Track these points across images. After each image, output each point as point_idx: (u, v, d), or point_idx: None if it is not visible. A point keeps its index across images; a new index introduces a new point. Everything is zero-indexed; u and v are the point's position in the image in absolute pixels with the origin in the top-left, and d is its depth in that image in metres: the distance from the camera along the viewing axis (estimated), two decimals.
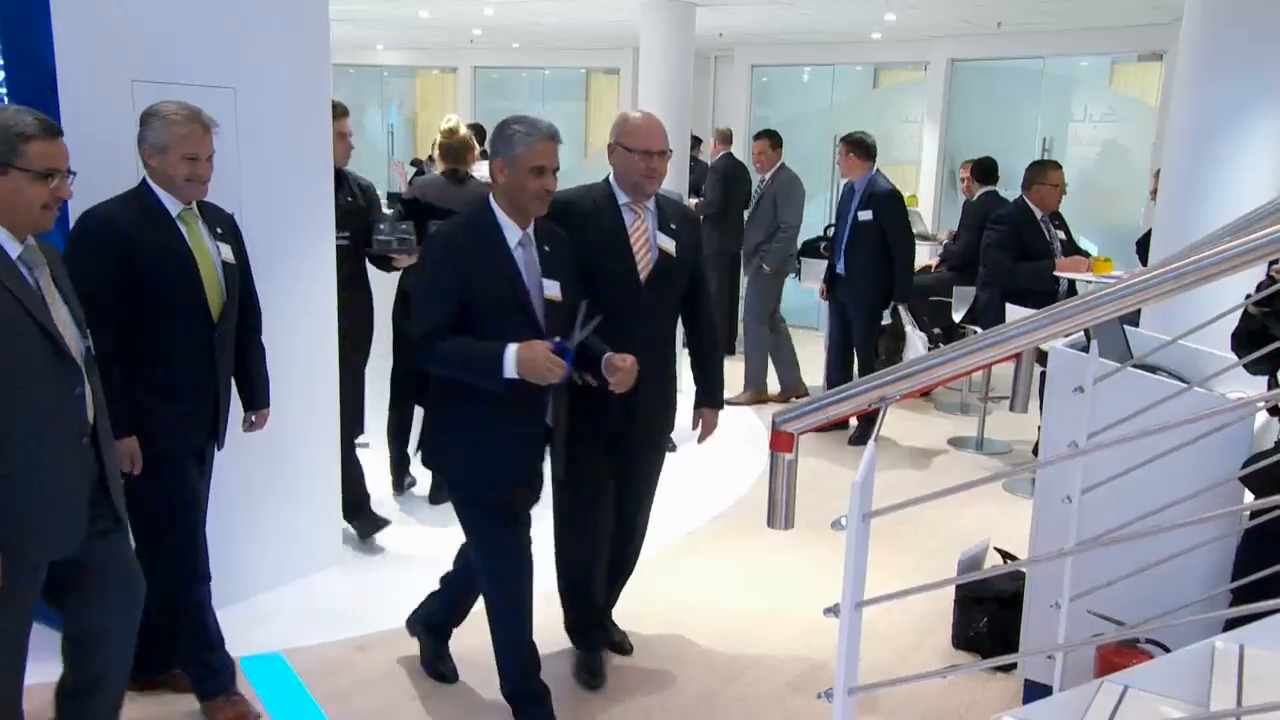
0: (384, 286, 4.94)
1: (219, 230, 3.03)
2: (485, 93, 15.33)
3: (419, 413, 4.91)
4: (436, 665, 3.40)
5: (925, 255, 8.84)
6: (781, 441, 1.70)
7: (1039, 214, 5.61)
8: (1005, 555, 3.86)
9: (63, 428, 2.35)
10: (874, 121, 11.62)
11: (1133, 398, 2.71)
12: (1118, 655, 2.78)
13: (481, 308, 2.77)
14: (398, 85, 16.31)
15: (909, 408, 7.20)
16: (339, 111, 4.29)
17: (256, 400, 3.27)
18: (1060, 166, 5.89)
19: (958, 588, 3.70)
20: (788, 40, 11.01)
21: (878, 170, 6.22)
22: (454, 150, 4.85)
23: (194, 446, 3.01)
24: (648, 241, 3.17)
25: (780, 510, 1.73)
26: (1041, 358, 3.00)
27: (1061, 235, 5.70)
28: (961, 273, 7.12)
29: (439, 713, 3.24)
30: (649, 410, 3.23)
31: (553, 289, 2.87)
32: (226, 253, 3.01)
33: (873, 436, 1.57)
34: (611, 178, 3.23)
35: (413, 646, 3.49)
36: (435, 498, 4.98)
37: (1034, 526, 3.14)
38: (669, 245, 3.21)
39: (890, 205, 6.10)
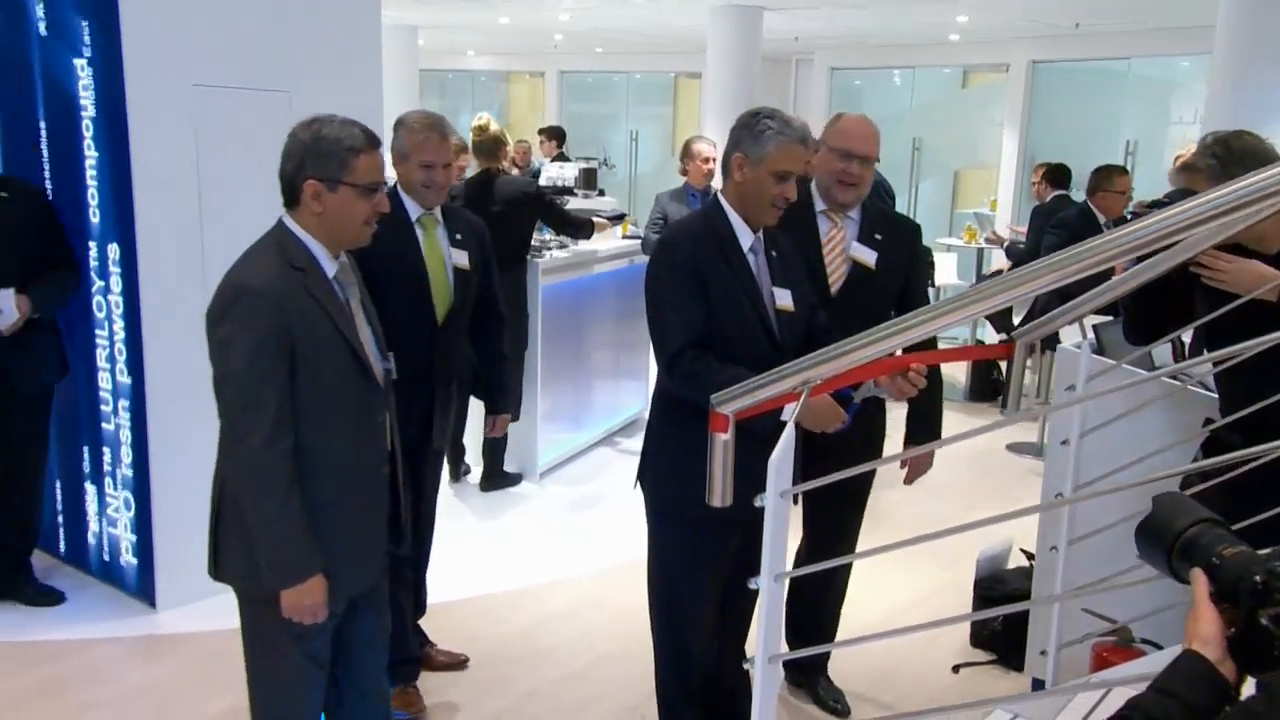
0: None
1: (459, 236, 3.10)
2: (574, 96, 15.58)
3: (474, 405, 5.19)
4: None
5: (996, 259, 8.73)
6: (718, 423, 1.81)
7: (1103, 219, 5.51)
8: (1030, 555, 3.86)
9: (366, 456, 2.27)
10: (958, 123, 11.52)
11: (1130, 398, 2.73)
12: (1112, 654, 2.80)
13: (718, 318, 2.49)
14: (491, 90, 16.73)
15: (971, 412, 7.12)
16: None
17: (494, 405, 3.35)
18: (1127, 172, 5.79)
19: (976, 585, 3.73)
20: (867, 43, 10.98)
21: None
22: (485, 148, 4.96)
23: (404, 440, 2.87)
24: (842, 251, 2.97)
25: (718, 486, 1.84)
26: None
27: None
28: None
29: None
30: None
31: (785, 298, 2.59)
32: (460, 258, 3.07)
33: (791, 417, 1.67)
34: (814, 183, 3.03)
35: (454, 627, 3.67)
36: (485, 485, 5.19)
37: (1039, 525, 3.17)
38: (866, 256, 2.96)
39: None
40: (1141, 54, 9.59)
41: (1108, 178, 5.61)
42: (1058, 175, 7.34)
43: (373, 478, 2.29)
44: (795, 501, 3.13)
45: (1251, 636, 1.09)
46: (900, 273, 3.01)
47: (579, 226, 5.35)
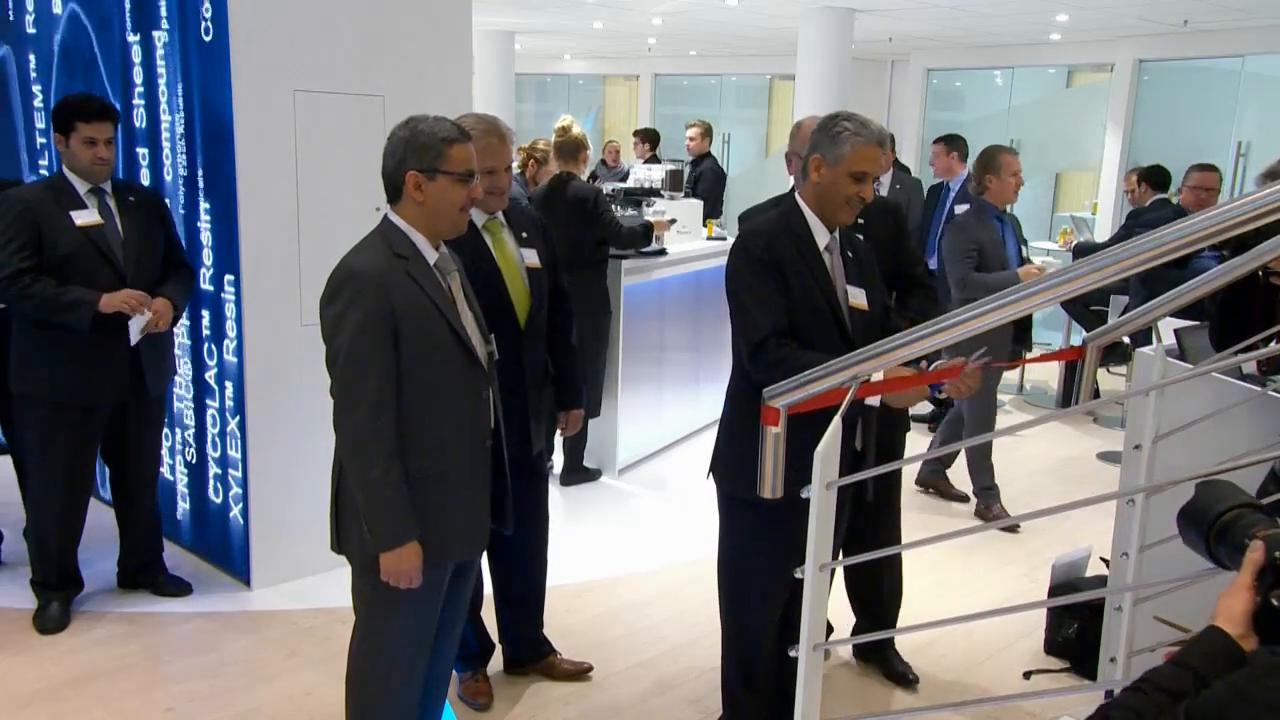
0: None
1: (524, 235, 3.08)
2: (669, 99, 15.64)
3: None
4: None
5: None
6: (770, 416, 1.86)
7: None
8: (1108, 563, 3.79)
9: (471, 431, 2.40)
10: (1060, 124, 11.22)
11: (1208, 403, 2.68)
12: None
13: (793, 311, 2.56)
14: (588, 93, 16.91)
15: (1065, 420, 6.96)
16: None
17: (566, 400, 3.28)
18: (1216, 168, 5.61)
19: (1050, 592, 3.67)
20: (964, 44, 10.80)
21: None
22: (565, 150, 5.03)
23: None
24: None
25: (769, 478, 1.88)
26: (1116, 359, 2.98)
27: None
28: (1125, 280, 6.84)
29: None
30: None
31: (859, 296, 2.67)
32: (531, 257, 3.06)
33: (839, 413, 1.70)
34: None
35: None
36: (566, 479, 5.31)
37: (1114, 530, 3.12)
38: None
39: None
40: (1256, 51, 9.20)
41: (1199, 174, 5.43)
42: (1155, 177, 7.07)
43: (478, 450, 2.44)
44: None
45: (1270, 614, 1.11)
46: (888, 253, 3.06)
47: (628, 241, 5.13)
